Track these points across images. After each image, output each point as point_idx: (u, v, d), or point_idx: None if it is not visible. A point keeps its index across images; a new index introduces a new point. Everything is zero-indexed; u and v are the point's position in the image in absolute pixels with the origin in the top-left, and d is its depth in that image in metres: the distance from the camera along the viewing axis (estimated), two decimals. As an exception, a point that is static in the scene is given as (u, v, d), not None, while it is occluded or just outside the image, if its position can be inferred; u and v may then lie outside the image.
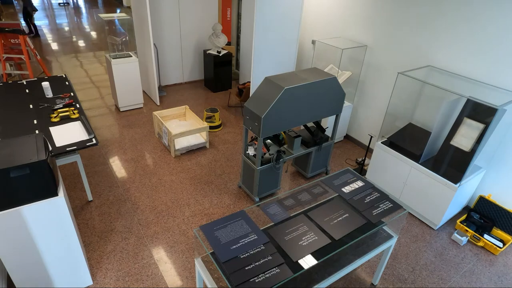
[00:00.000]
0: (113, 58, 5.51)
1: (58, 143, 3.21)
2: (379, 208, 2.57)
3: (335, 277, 2.37)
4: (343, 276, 3.18)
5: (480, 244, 3.63)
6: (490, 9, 3.43)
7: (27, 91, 4.09)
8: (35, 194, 2.28)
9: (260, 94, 3.51)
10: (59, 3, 15.00)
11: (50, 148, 2.56)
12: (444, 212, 3.65)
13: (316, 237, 2.28)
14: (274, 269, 2.03)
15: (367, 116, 5.16)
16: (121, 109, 5.92)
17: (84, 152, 4.74)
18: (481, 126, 3.30)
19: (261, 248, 2.14)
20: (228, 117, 6.00)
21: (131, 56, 5.67)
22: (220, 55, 6.58)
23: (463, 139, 3.45)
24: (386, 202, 2.65)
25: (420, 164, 3.75)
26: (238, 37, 7.34)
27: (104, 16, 5.65)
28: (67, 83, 4.41)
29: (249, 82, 5.76)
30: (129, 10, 12.92)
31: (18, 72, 6.47)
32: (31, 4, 9.73)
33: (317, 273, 2.34)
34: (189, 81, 7.34)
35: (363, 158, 4.76)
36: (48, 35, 10.42)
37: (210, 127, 5.40)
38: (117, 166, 4.51)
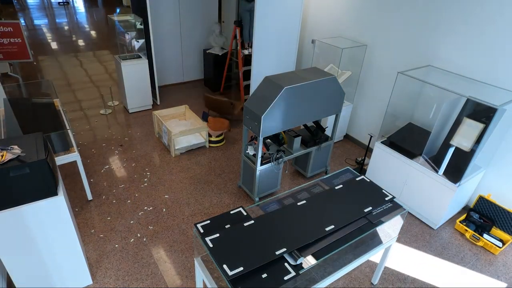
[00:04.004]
0: (122, 59, 5.50)
1: None
2: (379, 208, 2.58)
3: (335, 276, 2.37)
4: (343, 275, 3.18)
5: (480, 243, 3.64)
6: (490, 9, 3.43)
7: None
8: (34, 193, 2.28)
9: (260, 94, 3.51)
10: (59, 2, 14.97)
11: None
12: (444, 211, 3.66)
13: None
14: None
15: (366, 115, 5.16)
16: (130, 111, 5.90)
17: (84, 151, 4.74)
18: (481, 126, 3.30)
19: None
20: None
21: (140, 57, 5.66)
22: (220, 54, 6.58)
23: (463, 139, 3.45)
24: (391, 197, 2.66)
25: (420, 164, 3.75)
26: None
27: (117, 18, 5.66)
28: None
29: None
30: (129, 9, 12.91)
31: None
32: None
33: (316, 272, 2.34)
34: (189, 80, 7.33)
35: (363, 158, 4.76)
36: (47, 34, 10.41)
37: (212, 141, 5.09)
38: (117, 166, 4.51)
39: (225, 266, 1.96)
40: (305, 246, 2.20)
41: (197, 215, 3.79)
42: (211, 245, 2.10)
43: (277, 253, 2.08)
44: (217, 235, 2.17)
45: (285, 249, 2.11)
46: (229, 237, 2.18)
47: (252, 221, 2.31)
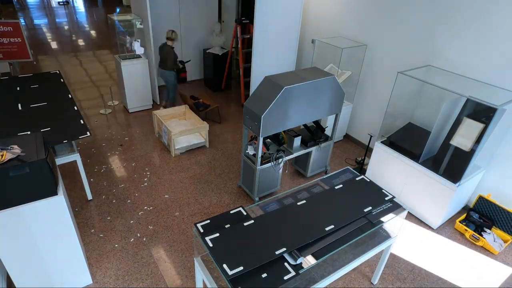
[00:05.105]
0: (122, 59, 5.50)
1: None
2: (379, 208, 2.58)
3: (335, 276, 2.37)
4: (343, 275, 3.18)
5: (480, 243, 3.64)
6: (489, 9, 3.43)
7: None
8: (34, 193, 2.28)
9: (260, 94, 3.51)
10: (59, 2, 14.97)
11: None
12: (444, 211, 3.66)
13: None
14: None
15: (366, 115, 5.16)
16: (130, 111, 5.90)
17: (84, 151, 4.73)
18: (480, 125, 3.30)
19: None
20: (228, 116, 6.00)
21: (140, 57, 5.66)
22: (220, 54, 6.58)
23: (463, 139, 3.45)
24: (391, 197, 2.66)
25: (420, 163, 3.75)
26: (238, 36, 7.33)
27: (117, 17, 5.66)
28: (62, 80, 4.39)
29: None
30: (129, 9, 12.90)
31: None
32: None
33: (316, 272, 2.34)
34: (189, 80, 7.32)
35: (363, 158, 4.76)
36: (47, 34, 10.41)
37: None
38: (117, 165, 4.51)
39: (225, 266, 1.95)
40: (305, 246, 2.20)
41: (197, 215, 3.79)
42: (211, 245, 2.10)
43: (277, 252, 2.08)
44: (217, 234, 2.17)
45: (284, 249, 2.11)
46: (229, 237, 2.17)
47: (252, 221, 2.31)
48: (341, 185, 2.77)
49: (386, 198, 2.66)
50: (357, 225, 2.42)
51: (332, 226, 2.33)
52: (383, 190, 2.74)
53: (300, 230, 2.29)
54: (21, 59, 5.80)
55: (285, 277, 1.98)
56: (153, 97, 6.18)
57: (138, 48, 5.51)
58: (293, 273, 2.01)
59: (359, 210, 2.51)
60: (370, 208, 2.54)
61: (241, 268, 1.95)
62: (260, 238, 2.19)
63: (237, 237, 2.18)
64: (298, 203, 2.54)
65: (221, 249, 2.08)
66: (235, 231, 2.23)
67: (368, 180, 2.85)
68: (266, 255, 2.07)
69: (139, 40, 5.62)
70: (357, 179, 2.86)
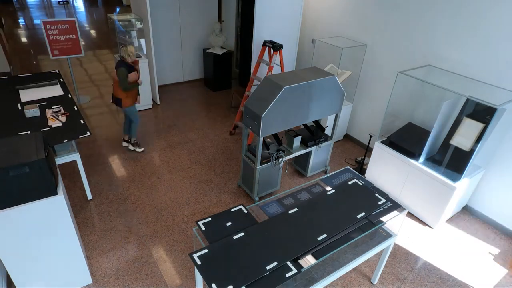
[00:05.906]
0: None
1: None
2: (379, 208, 2.58)
3: (334, 276, 2.37)
4: (342, 275, 3.18)
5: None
6: (490, 9, 3.43)
7: None
8: (34, 193, 2.28)
9: (259, 93, 3.51)
10: (59, 2, 14.95)
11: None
12: (443, 211, 3.66)
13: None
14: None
15: (366, 115, 5.16)
16: None
17: (84, 151, 4.73)
18: (480, 125, 3.30)
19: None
20: (229, 116, 6.00)
21: (140, 57, 5.65)
22: (220, 54, 6.58)
23: (463, 139, 3.45)
24: (386, 201, 2.65)
25: (420, 163, 3.75)
26: (238, 36, 7.34)
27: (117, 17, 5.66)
28: (61, 80, 4.39)
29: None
30: (129, 9, 12.89)
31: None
32: None
33: (316, 272, 2.34)
34: (189, 80, 7.33)
35: (363, 158, 4.76)
36: (47, 34, 10.39)
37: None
38: (117, 165, 4.51)
39: (213, 286, 1.90)
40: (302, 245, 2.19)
41: (197, 215, 3.79)
42: (199, 262, 2.03)
43: (268, 267, 2.04)
44: (205, 251, 2.11)
45: (276, 263, 2.07)
46: (218, 252, 2.12)
47: (242, 233, 2.26)
48: (333, 191, 2.73)
49: (386, 198, 2.67)
50: (351, 233, 2.37)
51: (325, 235, 2.29)
52: (383, 190, 2.73)
53: (292, 241, 2.24)
54: (74, 55, 5.85)
55: (286, 277, 1.98)
56: (153, 97, 6.18)
57: (143, 48, 5.50)
58: (293, 273, 2.01)
59: (352, 217, 2.47)
60: (363, 214, 2.51)
61: (231, 287, 1.91)
62: (251, 252, 2.13)
63: (226, 252, 2.12)
64: (290, 211, 2.48)
65: (210, 267, 2.02)
66: (224, 246, 2.17)
67: (361, 184, 2.82)
68: (257, 270, 2.02)
69: (140, 40, 5.63)
70: (349, 183, 2.82)
